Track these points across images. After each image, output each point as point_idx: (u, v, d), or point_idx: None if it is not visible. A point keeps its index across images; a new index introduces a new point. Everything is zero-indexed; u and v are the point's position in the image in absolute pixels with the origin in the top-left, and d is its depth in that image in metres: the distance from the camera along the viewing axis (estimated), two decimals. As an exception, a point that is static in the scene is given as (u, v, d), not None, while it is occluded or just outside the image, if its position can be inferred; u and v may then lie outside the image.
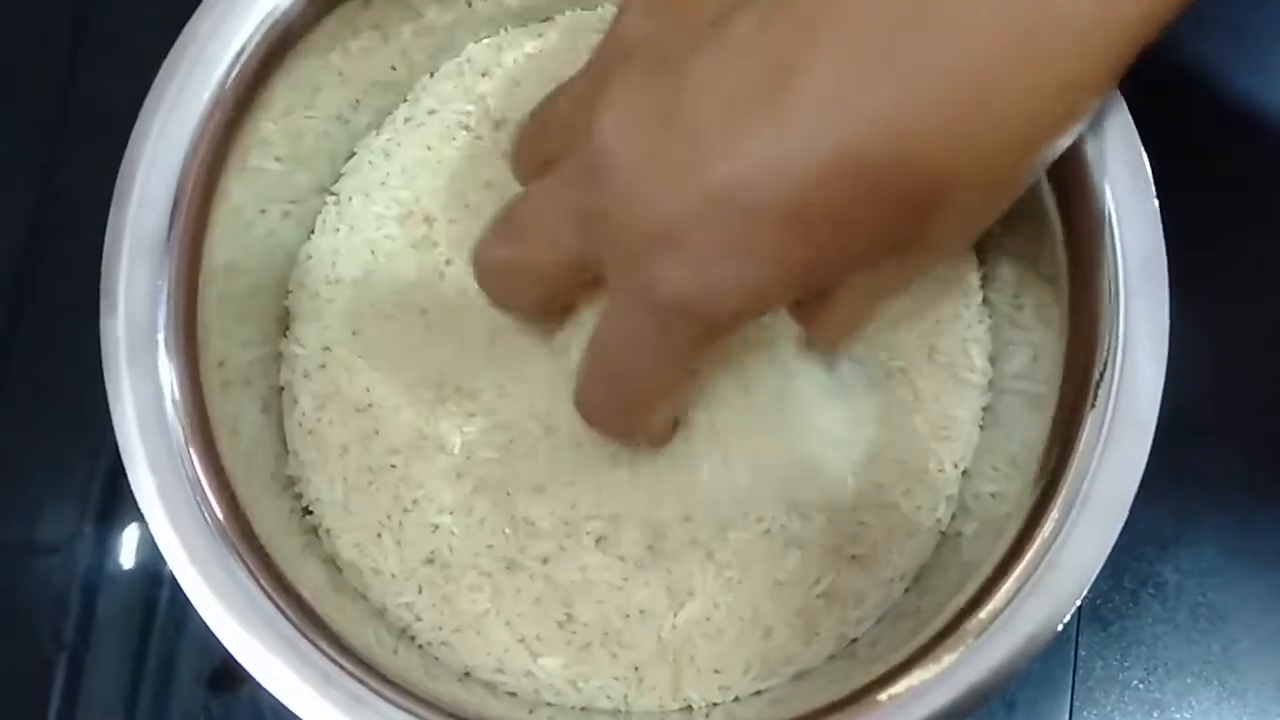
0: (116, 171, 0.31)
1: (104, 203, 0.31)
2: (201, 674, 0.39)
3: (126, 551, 0.40)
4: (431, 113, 0.38)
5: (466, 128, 0.37)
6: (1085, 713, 0.38)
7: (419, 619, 0.35)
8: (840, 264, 0.26)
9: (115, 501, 0.40)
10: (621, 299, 0.28)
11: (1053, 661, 0.38)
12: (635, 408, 0.30)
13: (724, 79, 0.24)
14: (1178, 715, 0.39)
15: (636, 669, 0.34)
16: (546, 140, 0.31)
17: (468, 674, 0.34)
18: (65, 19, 0.44)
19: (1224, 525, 0.40)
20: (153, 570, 0.40)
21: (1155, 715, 0.39)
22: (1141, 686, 0.39)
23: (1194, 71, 0.42)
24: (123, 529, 0.40)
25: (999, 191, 0.26)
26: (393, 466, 0.35)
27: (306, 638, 0.30)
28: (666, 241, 0.25)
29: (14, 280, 0.42)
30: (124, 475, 0.30)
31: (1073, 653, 0.38)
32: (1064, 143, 0.27)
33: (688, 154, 0.24)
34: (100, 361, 0.31)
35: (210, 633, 0.30)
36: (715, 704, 0.34)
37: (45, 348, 0.42)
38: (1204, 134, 0.41)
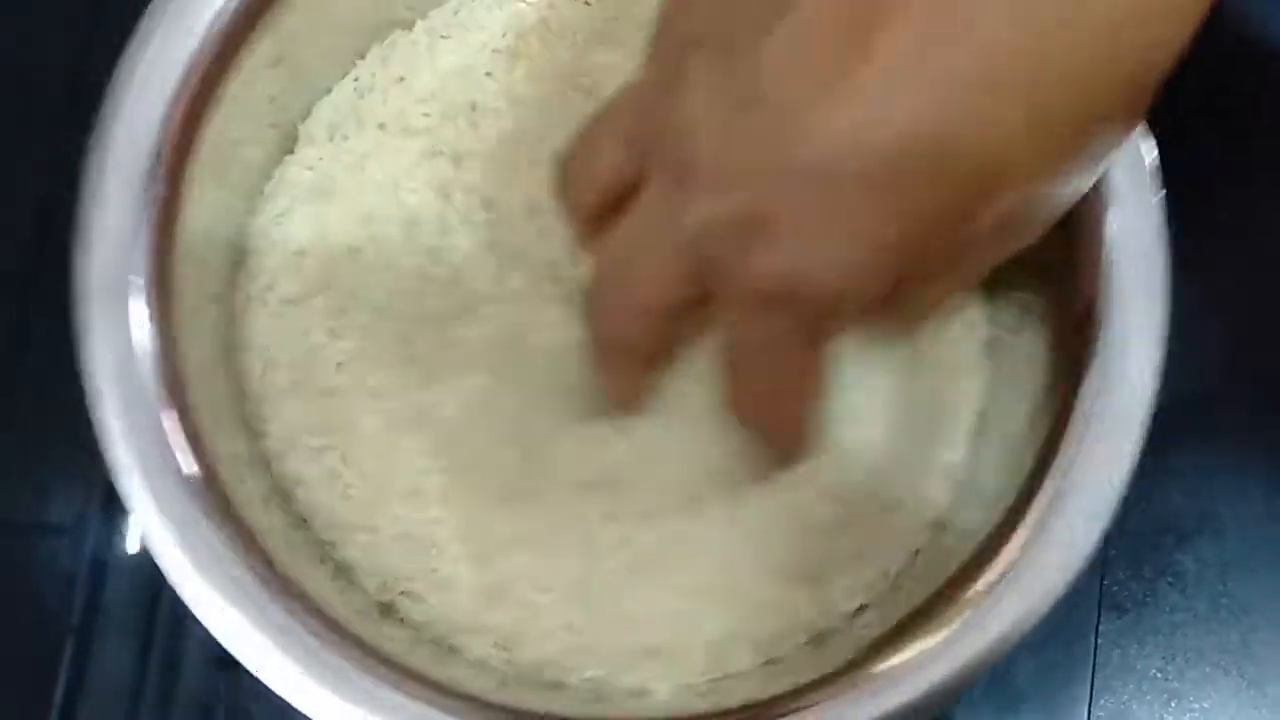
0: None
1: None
2: (210, 655, 0.39)
3: (134, 533, 0.40)
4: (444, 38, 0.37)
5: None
6: (1103, 701, 0.38)
7: (394, 580, 0.33)
8: (925, 243, 0.26)
9: (123, 483, 0.40)
10: (735, 305, 0.28)
11: (1071, 649, 0.38)
12: (788, 405, 0.31)
13: (800, 58, 0.24)
14: (1196, 705, 0.38)
15: (639, 639, 0.33)
16: (606, 165, 0.30)
17: (448, 646, 0.33)
18: (81, 3, 0.44)
19: (1245, 515, 0.39)
20: (161, 552, 0.40)
21: (1173, 705, 0.38)
22: (1160, 676, 0.39)
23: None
24: (130, 511, 0.40)
25: (1053, 176, 0.26)
26: (369, 429, 0.34)
27: (268, 592, 0.29)
28: (757, 226, 0.25)
29: (25, 263, 0.42)
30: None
31: (1091, 641, 0.38)
32: (1113, 140, 0.26)
33: (774, 132, 0.24)
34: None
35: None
36: (712, 679, 0.33)
37: (55, 330, 0.41)
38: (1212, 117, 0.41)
